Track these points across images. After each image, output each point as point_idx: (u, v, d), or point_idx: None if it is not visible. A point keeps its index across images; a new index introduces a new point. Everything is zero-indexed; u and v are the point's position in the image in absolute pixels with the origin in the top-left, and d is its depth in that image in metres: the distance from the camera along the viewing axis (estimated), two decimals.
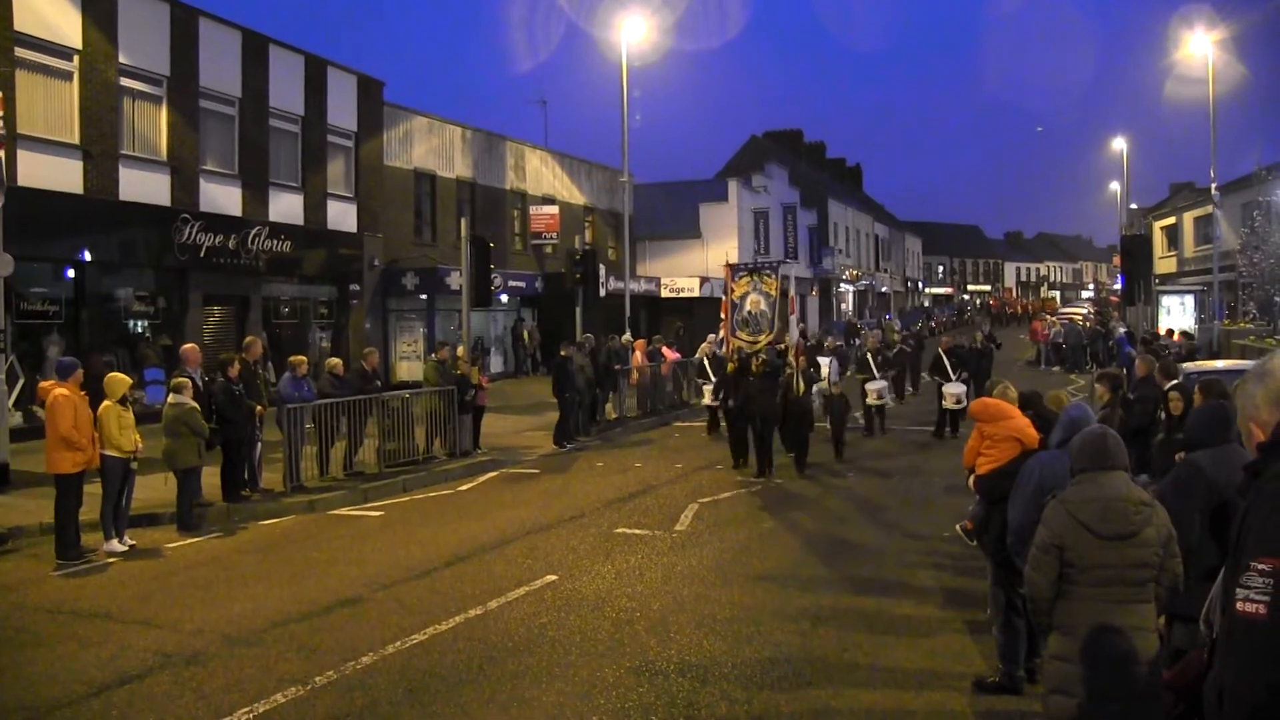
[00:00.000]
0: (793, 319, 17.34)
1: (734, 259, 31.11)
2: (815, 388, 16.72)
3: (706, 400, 19.21)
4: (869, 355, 20.05)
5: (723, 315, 17.14)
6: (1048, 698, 4.26)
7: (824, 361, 19.58)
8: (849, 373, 22.47)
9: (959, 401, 17.58)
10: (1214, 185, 31.99)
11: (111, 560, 10.12)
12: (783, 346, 16.56)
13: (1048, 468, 5.56)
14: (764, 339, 16.39)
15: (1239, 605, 2.41)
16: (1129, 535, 4.07)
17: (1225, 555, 4.38)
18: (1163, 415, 9.42)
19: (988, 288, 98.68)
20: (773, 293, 16.73)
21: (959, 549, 9.03)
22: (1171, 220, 49.34)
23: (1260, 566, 2.39)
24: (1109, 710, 4.03)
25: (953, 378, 18.26)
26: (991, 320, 59.77)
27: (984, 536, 6.78)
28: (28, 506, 11.77)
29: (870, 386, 18.93)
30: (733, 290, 16.97)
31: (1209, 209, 34.84)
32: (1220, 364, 16.44)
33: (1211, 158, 31.22)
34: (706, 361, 19.76)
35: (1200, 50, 31.01)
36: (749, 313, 16.71)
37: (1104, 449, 4.24)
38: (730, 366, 15.76)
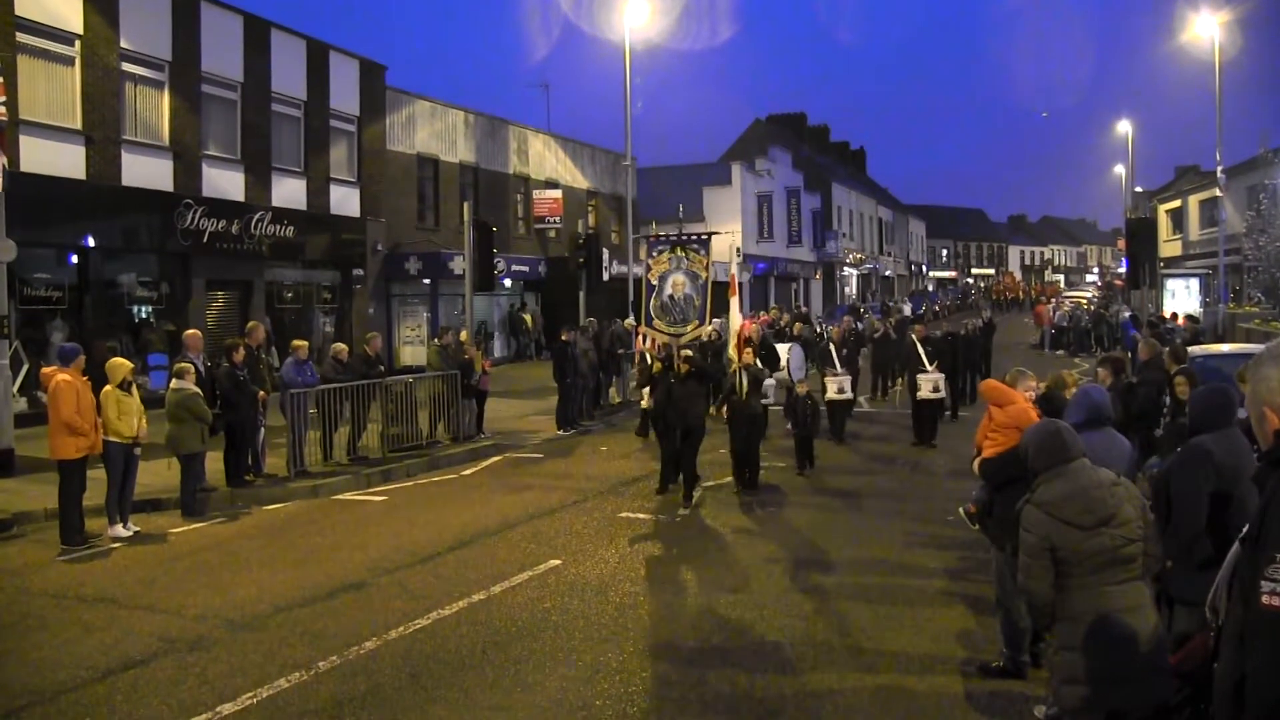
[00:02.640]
0: (733, 301, 14.37)
1: (738, 243, 30.50)
2: (774, 379, 13.99)
3: (645, 403, 15.41)
4: (831, 347, 17.72)
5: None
6: (1059, 689, 4.25)
7: (783, 349, 16.92)
8: (812, 367, 19.39)
9: (936, 389, 15.92)
10: (1220, 168, 31.85)
11: (115, 545, 10.15)
12: (745, 339, 13.62)
13: None
14: (690, 330, 13.48)
15: (1265, 599, 2.34)
16: (1110, 518, 4.11)
17: (1222, 542, 4.37)
18: (1168, 399, 9.41)
19: (991, 271, 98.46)
20: (702, 273, 13.64)
21: (961, 533, 9.02)
22: (1177, 203, 49.17)
23: None
24: (1120, 693, 4.04)
25: (928, 369, 16.07)
26: (992, 305, 59.59)
27: (987, 521, 6.75)
28: (32, 492, 11.81)
29: (831, 380, 16.47)
30: (650, 269, 13.97)
31: (1214, 192, 34.69)
32: (1225, 348, 16.38)
33: (1217, 140, 31.12)
34: (649, 355, 14.90)
35: (1207, 32, 30.83)
36: (670, 297, 13.59)
37: (1063, 443, 4.28)
38: (655, 366, 12.96)
